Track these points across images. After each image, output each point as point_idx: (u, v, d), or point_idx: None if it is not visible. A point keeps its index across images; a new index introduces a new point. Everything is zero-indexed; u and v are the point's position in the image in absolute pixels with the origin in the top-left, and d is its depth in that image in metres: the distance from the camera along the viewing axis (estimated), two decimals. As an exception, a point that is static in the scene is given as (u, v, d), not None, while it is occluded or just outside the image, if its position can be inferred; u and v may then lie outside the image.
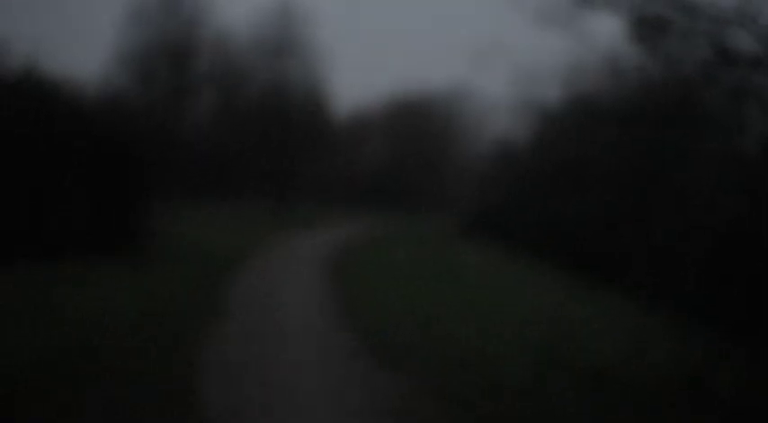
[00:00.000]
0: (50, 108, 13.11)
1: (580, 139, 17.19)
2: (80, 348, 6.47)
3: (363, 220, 33.12)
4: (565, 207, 16.68)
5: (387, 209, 37.21)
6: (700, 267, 10.41)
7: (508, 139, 25.63)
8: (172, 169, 26.73)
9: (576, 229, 15.71)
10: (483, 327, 8.72)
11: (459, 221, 26.80)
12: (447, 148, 39.77)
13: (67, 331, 6.99)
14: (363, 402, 5.42)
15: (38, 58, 14.12)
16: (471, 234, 23.69)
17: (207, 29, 36.54)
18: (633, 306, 11.59)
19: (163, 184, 18.30)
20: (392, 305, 9.82)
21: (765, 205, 9.72)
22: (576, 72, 18.06)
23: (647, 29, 9.89)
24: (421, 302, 10.18)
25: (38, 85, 13.58)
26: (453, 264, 16.02)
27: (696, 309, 10.00)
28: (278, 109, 35.09)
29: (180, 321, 8.04)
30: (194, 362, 6.38)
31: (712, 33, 9.23)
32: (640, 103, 13.71)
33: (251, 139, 34.38)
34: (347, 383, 5.93)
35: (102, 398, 5.16)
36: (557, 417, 5.43)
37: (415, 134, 39.27)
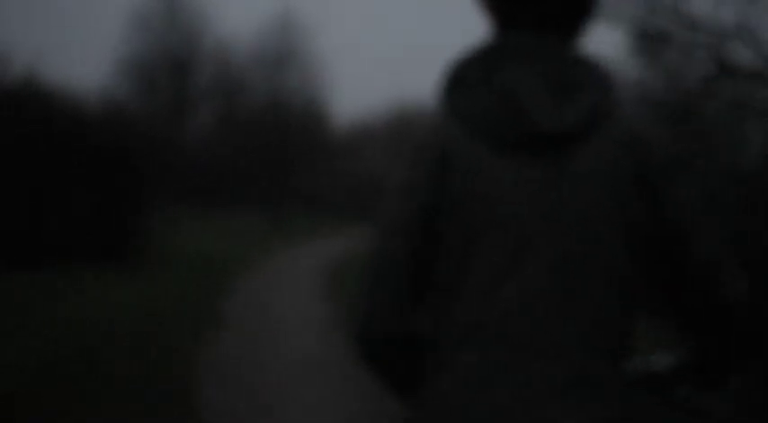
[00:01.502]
0: (51, 116, 13.15)
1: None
2: (79, 352, 6.47)
3: (362, 229, 33.10)
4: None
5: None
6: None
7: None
8: (171, 178, 26.76)
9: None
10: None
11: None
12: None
13: (66, 335, 7.00)
14: (363, 409, 5.43)
15: (38, 67, 14.19)
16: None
17: (207, 40, 36.69)
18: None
19: (162, 192, 18.33)
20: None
21: (765, 219, 9.74)
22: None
23: (647, 42, 9.94)
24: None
25: (38, 93, 13.62)
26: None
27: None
28: (277, 119, 35.17)
29: (179, 327, 8.05)
30: (193, 364, 6.39)
31: (712, 47, 9.28)
32: (641, 115, 13.75)
33: (250, 149, 34.43)
34: (346, 389, 5.93)
35: (101, 401, 5.16)
36: None
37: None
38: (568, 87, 1.38)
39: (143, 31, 35.72)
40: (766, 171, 10.66)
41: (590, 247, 1.37)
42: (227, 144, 35.21)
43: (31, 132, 12.57)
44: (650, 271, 1.43)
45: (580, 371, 1.36)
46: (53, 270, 11.21)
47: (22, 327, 7.23)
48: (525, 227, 1.37)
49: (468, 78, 1.41)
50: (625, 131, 1.41)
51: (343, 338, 8.03)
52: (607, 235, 1.38)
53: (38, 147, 12.54)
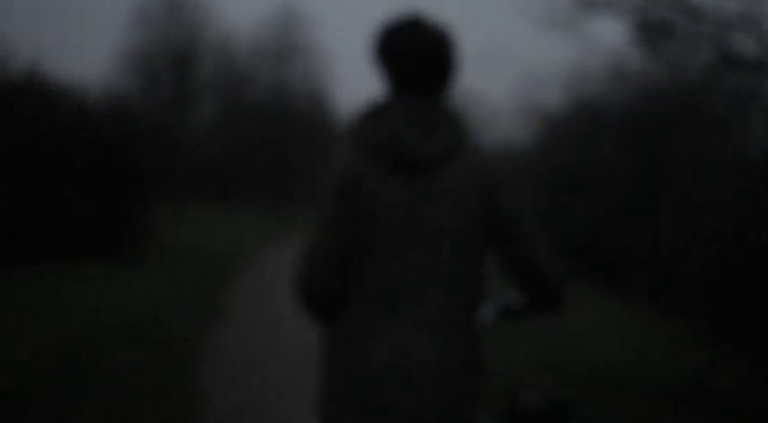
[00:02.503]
0: (53, 110, 13.12)
1: (583, 143, 17.18)
2: (79, 348, 6.46)
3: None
4: (567, 211, 16.65)
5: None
6: (702, 271, 10.37)
7: (511, 142, 25.63)
8: (173, 171, 26.73)
9: (579, 234, 15.68)
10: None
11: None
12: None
13: (66, 330, 6.97)
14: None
15: (41, 62, 14.14)
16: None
17: (210, 33, 36.60)
18: (634, 309, 11.57)
19: (164, 185, 18.31)
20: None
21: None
22: (580, 76, 18.07)
23: (650, 33, 9.87)
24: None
25: (40, 87, 13.58)
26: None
27: (698, 312, 9.97)
28: (280, 112, 35.11)
29: (180, 321, 8.03)
30: (194, 358, 6.37)
31: (716, 38, 9.21)
32: (644, 107, 13.70)
33: (253, 142, 34.37)
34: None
35: (101, 396, 5.15)
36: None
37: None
38: (432, 131, 2.18)
39: (145, 25, 35.66)
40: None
41: (449, 236, 2.16)
42: (230, 137, 35.16)
43: (33, 127, 12.55)
44: (494, 248, 2.23)
45: (438, 315, 2.15)
46: (54, 265, 11.19)
47: (23, 322, 7.21)
48: (407, 224, 2.15)
49: (368, 124, 2.21)
50: (476, 160, 2.21)
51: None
52: (460, 227, 2.16)
53: (40, 141, 12.51)
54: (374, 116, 2.21)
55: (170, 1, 35.84)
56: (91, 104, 14.57)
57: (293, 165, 34.50)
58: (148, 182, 14.41)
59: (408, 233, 2.15)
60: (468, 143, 2.22)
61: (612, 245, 14.20)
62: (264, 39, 37.24)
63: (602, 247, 14.54)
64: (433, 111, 2.21)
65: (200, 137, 35.87)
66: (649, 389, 6.20)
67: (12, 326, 7.03)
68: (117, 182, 13.37)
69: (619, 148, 15.00)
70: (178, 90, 35.70)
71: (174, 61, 35.75)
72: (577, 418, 2.41)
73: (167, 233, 14.74)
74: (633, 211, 13.89)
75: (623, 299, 12.45)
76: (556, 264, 2.28)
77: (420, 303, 2.14)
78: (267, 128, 34.58)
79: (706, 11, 9.28)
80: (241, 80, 36.86)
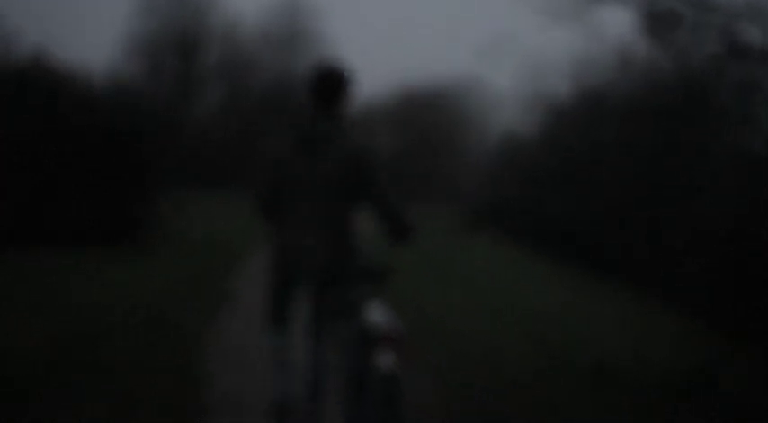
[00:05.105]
0: (57, 97, 13.11)
1: (588, 133, 17.12)
2: (81, 336, 6.45)
3: (370, 211, 32.99)
4: (572, 202, 16.61)
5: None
6: (704, 267, 10.33)
7: (516, 132, 25.56)
8: (178, 159, 26.70)
9: (584, 224, 15.64)
10: (488, 320, 8.69)
11: (465, 214, 26.72)
12: (454, 141, 39.67)
13: (66, 327, 6.94)
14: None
15: (46, 48, 14.12)
16: (478, 227, 23.65)
17: (215, 20, 36.51)
18: (638, 303, 11.55)
19: (168, 173, 18.27)
20: (399, 296, 9.77)
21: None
22: (586, 65, 17.98)
23: (657, 22, 9.81)
24: (426, 294, 10.14)
25: (45, 74, 13.57)
26: (459, 256, 15.98)
27: (701, 306, 9.93)
28: (285, 100, 35.05)
29: (183, 314, 8.01)
30: (197, 348, 6.36)
31: (723, 27, 9.15)
32: (650, 96, 13.64)
33: (257, 130, 34.33)
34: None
35: (104, 384, 5.14)
36: (559, 413, 5.39)
37: (422, 127, 39.17)
38: (323, 125, 4.15)
39: (150, 11, 35.59)
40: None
41: (329, 185, 4.11)
42: (234, 124, 35.12)
43: (37, 112, 12.54)
44: (365, 200, 4.17)
45: (320, 225, 4.15)
46: (55, 254, 11.18)
47: (23, 317, 7.20)
48: (303, 180, 4.16)
49: (293, 123, 4.19)
50: (351, 141, 4.13)
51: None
52: (337, 180, 4.11)
53: (44, 128, 12.50)
54: (297, 118, 4.16)
55: (175, -12, 35.72)
56: (96, 90, 14.55)
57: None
58: (153, 169, 14.38)
59: (308, 182, 4.11)
60: (346, 133, 4.12)
61: (615, 237, 14.17)
62: (270, 26, 37.17)
63: (605, 240, 14.49)
64: (327, 115, 4.15)
65: (204, 124, 35.83)
66: (649, 386, 6.16)
67: (12, 319, 6.99)
68: (121, 170, 13.35)
69: (623, 138, 14.92)
70: (183, 77, 35.64)
71: (179, 48, 35.69)
72: (391, 275, 4.34)
73: (171, 222, 14.72)
74: (636, 202, 13.84)
75: (625, 291, 12.43)
76: (404, 208, 4.15)
77: (312, 218, 4.12)
78: (272, 115, 34.52)
79: (713, 1, 9.22)
80: (246, 67, 36.80)
